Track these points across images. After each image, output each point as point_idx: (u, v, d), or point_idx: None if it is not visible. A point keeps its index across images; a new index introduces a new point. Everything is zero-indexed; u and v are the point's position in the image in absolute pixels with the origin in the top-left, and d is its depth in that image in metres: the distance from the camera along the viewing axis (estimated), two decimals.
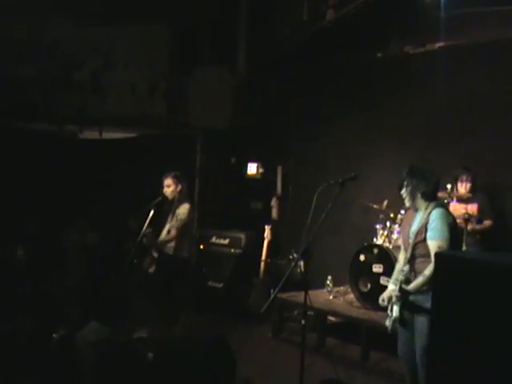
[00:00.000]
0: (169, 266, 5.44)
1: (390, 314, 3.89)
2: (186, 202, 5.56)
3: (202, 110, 7.66)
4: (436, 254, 3.17)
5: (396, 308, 3.83)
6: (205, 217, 7.49)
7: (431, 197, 3.86)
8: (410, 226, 3.93)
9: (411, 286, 3.75)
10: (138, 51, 7.49)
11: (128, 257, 5.10)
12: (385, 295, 4.04)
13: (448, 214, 3.79)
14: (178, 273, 5.49)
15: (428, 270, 3.69)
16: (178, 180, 5.60)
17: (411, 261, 3.83)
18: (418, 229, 3.82)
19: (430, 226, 3.73)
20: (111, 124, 7.46)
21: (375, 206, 6.05)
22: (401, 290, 3.78)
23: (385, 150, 6.65)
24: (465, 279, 2.40)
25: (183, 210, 5.50)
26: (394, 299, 3.83)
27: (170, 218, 5.59)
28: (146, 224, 5.18)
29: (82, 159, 7.64)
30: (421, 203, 3.88)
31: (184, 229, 5.46)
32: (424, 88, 6.28)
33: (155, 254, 5.48)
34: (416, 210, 3.94)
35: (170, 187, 5.58)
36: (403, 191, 3.92)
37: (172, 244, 5.47)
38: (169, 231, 5.52)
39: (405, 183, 3.89)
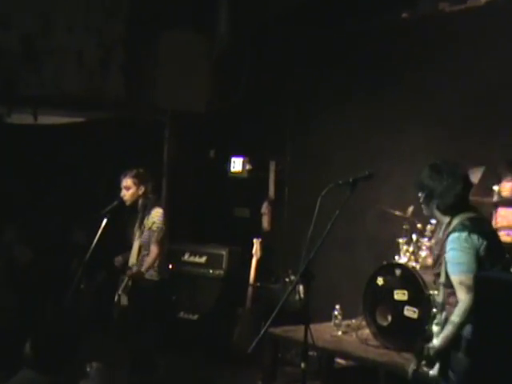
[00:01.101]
0: (150, 294, 5.58)
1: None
2: (156, 206, 5.67)
3: (170, 87, 7.64)
4: (476, 278, 3.13)
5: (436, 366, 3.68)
6: (175, 227, 7.41)
7: (452, 209, 3.75)
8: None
9: (438, 342, 3.62)
10: (86, 9, 7.44)
11: (73, 280, 5.05)
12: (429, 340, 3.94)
13: (469, 236, 3.62)
14: (155, 302, 5.64)
15: (456, 316, 3.55)
16: (140, 180, 5.64)
17: (444, 307, 3.71)
18: (438, 253, 3.80)
19: (447, 257, 3.65)
20: (50, 105, 7.40)
21: (397, 213, 6.04)
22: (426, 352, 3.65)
23: (409, 141, 6.66)
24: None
25: (157, 216, 5.62)
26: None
27: (137, 232, 5.60)
28: (98, 236, 5.16)
29: (10, 151, 7.59)
30: (439, 216, 3.84)
31: (164, 240, 5.62)
32: (463, 59, 6.26)
33: (129, 282, 5.56)
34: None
35: (129, 189, 5.64)
36: (420, 197, 3.88)
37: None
38: (140, 249, 5.58)
39: (421, 186, 3.85)
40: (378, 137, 6.90)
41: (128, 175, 5.64)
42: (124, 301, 5.55)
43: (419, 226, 5.91)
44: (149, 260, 5.60)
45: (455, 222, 3.70)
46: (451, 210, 3.75)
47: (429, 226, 5.83)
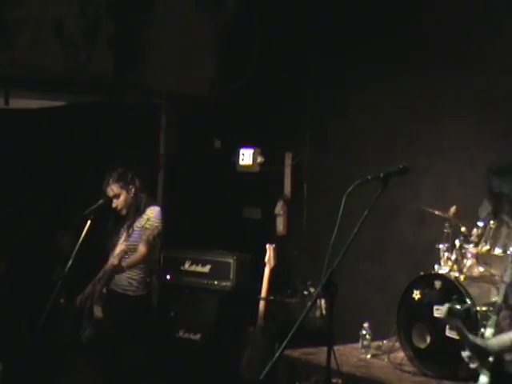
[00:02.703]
0: (126, 309, 5.70)
1: None
2: (150, 205, 5.84)
3: (167, 65, 7.70)
4: None
5: (484, 378, 3.80)
6: (173, 231, 7.46)
7: None
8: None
9: (492, 342, 3.75)
10: None
11: (51, 294, 5.11)
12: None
13: None
14: (136, 320, 5.75)
15: None
16: (125, 181, 5.74)
17: (501, 310, 3.86)
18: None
19: None
20: (23, 86, 7.45)
21: (437, 213, 6.01)
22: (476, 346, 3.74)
23: (452, 130, 6.65)
24: None
25: (152, 213, 5.77)
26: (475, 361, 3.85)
27: (123, 235, 5.70)
28: (80, 242, 5.21)
29: None
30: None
31: (154, 244, 5.76)
32: None
33: (104, 289, 5.71)
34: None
35: (119, 197, 5.76)
36: (489, 199, 3.92)
37: (131, 272, 5.71)
38: (124, 253, 5.69)
39: (492, 187, 3.94)
40: (415, 123, 6.90)
41: (110, 182, 5.76)
42: (98, 312, 5.61)
43: (463, 229, 5.88)
44: (133, 258, 5.67)
45: None
46: None
47: (475, 230, 5.80)
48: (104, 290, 5.71)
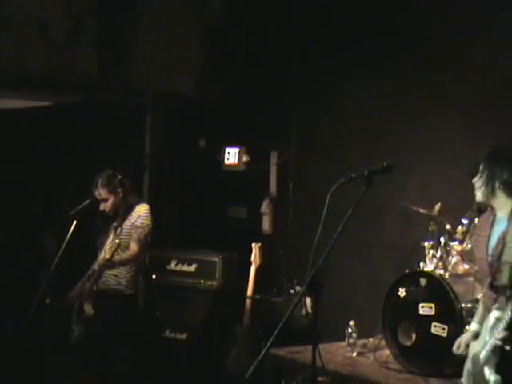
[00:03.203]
0: (115, 307, 5.71)
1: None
2: (141, 203, 5.89)
3: (153, 65, 7.69)
4: None
5: (492, 372, 3.75)
6: (159, 230, 7.43)
7: None
8: (489, 238, 3.94)
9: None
10: None
11: (36, 295, 5.10)
12: (463, 339, 4.06)
13: None
14: (125, 319, 5.74)
15: None
16: (113, 185, 5.74)
17: (500, 296, 3.79)
18: (503, 243, 3.83)
19: None
20: (7, 86, 7.41)
21: (422, 211, 6.02)
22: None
23: (438, 129, 6.65)
24: None
25: (142, 210, 5.80)
26: (484, 354, 3.78)
27: (112, 234, 5.74)
28: (65, 243, 5.20)
29: None
30: (504, 202, 3.89)
31: (145, 242, 5.73)
32: (504, 28, 6.22)
33: (94, 287, 5.71)
34: (495, 214, 3.96)
35: (107, 201, 5.81)
36: (476, 179, 3.94)
37: (120, 270, 5.70)
38: (116, 248, 5.65)
39: (480, 168, 3.92)
40: (400, 122, 6.90)
41: (98, 186, 5.75)
42: (88, 309, 5.60)
43: (448, 227, 5.91)
44: (125, 256, 5.66)
45: None
46: None
47: (459, 228, 5.82)
48: (94, 288, 5.69)
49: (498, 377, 3.75)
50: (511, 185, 3.87)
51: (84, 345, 5.69)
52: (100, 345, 5.69)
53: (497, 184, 3.88)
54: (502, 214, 3.92)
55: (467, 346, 4.04)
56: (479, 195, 3.96)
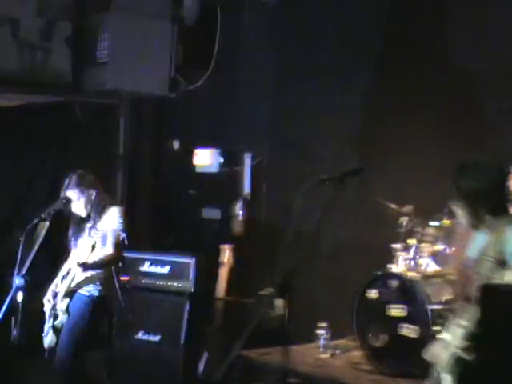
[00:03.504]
0: (89, 309, 5.65)
1: None
2: (113, 205, 5.83)
3: (126, 65, 7.64)
4: (483, 288, 3.20)
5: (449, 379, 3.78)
6: (132, 231, 7.40)
7: (499, 209, 3.88)
8: (467, 249, 3.97)
9: None
10: None
11: (8, 297, 5.06)
12: (436, 349, 4.03)
13: None
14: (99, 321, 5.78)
15: None
16: (86, 185, 5.69)
17: (468, 306, 3.80)
18: (482, 255, 3.83)
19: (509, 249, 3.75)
20: None
21: (393, 206, 6.06)
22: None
23: (408, 130, 6.67)
24: None
25: (113, 215, 5.72)
26: (443, 363, 3.80)
27: (85, 236, 5.73)
28: (38, 244, 5.16)
29: None
30: (484, 220, 3.91)
31: (123, 245, 5.75)
32: (470, 29, 6.29)
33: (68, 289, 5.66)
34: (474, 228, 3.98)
35: (78, 201, 5.74)
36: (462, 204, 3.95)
37: (94, 273, 5.67)
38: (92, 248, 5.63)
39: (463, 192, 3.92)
40: (371, 123, 6.93)
41: (70, 187, 5.70)
42: (62, 311, 5.58)
43: (418, 229, 5.95)
44: (102, 259, 5.64)
45: (504, 221, 3.82)
46: (500, 210, 3.88)
47: (430, 229, 5.86)
48: (68, 290, 5.66)
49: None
50: (490, 205, 3.87)
51: (58, 348, 5.66)
52: (72, 347, 5.67)
53: (475, 205, 3.88)
54: (482, 229, 3.91)
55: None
56: (467, 223, 3.95)
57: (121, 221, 5.70)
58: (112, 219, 5.67)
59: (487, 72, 6.19)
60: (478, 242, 3.93)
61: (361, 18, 7.05)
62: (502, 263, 3.77)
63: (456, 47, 6.39)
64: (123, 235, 5.72)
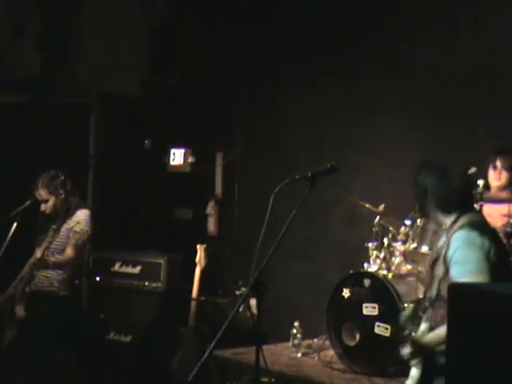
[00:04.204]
0: (48, 310, 5.63)
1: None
2: (80, 208, 5.83)
3: (97, 63, 7.63)
4: (449, 287, 3.23)
5: (416, 371, 3.87)
6: (103, 231, 7.40)
7: (457, 207, 3.91)
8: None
9: (429, 337, 3.83)
10: None
11: None
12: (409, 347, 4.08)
13: (481, 236, 3.80)
14: (60, 321, 5.72)
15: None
16: (55, 186, 5.69)
17: (435, 302, 3.87)
18: (436, 257, 3.92)
19: (453, 259, 3.78)
20: None
21: (367, 206, 6.07)
22: (414, 343, 3.83)
23: (382, 130, 6.71)
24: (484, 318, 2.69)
25: (82, 216, 5.76)
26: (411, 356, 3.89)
27: (50, 235, 5.68)
28: (6, 243, 5.13)
29: None
30: (440, 218, 3.98)
31: (82, 248, 5.78)
32: (447, 31, 6.32)
33: (27, 288, 5.65)
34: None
35: (48, 201, 5.78)
36: (418, 197, 4.01)
37: (52, 273, 5.64)
38: (44, 254, 5.61)
39: (416, 186, 4.01)
40: (345, 123, 6.94)
41: (39, 187, 5.71)
42: (20, 311, 5.56)
43: (391, 228, 5.96)
44: (60, 259, 5.65)
45: (462, 221, 3.84)
46: (457, 207, 3.90)
47: (402, 229, 5.87)
48: (27, 290, 5.65)
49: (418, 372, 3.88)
50: (446, 203, 3.91)
51: (17, 348, 5.63)
52: (34, 348, 5.64)
53: (432, 203, 3.93)
54: (444, 228, 3.99)
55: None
56: (422, 217, 4.03)
57: (85, 225, 5.69)
58: (77, 222, 5.66)
59: (462, 72, 6.22)
60: (440, 241, 3.99)
61: (335, 18, 7.07)
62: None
63: (430, 47, 6.42)
64: (85, 239, 5.71)
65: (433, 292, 3.88)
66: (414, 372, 3.91)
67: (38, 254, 5.54)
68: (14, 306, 5.62)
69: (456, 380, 2.81)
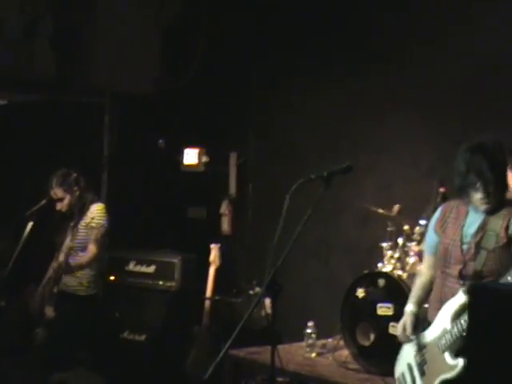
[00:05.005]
0: (77, 309, 5.70)
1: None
2: (96, 202, 5.87)
3: (111, 63, 7.65)
4: (470, 287, 3.24)
5: (453, 357, 3.83)
6: (117, 231, 7.39)
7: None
8: (463, 227, 4.00)
9: None
10: None
11: None
12: (408, 322, 4.18)
13: None
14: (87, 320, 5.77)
15: None
16: (70, 184, 5.70)
17: (469, 279, 3.87)
18: (481, 230, 3.91)
19: None
20: None
21: (380, 211, 6.05)
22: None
23: (396, 130, 6.71)
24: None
25: (97, 211, 5.78)
26: (446, 340, 3.88)
27: (69, 234, 5.71)
28: (22, 244, 5.15)
29: None
30: (493, 203, 3.94)
31: (103, 242, 5.76)
32: (458, 29, 6.29)
33: (55, 288, 5.67)
34: (468, 206, 4.01)
35: (63, 200, 5.78)
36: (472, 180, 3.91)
37: (81, 272, 5.73)
38: (69, 251, 5.62)
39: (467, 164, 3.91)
40: (359, 123, 6.93)
41: (54, 186, 5.72)
42: (49, 312, 5.57)
43: (406, 228, 5.94)
44: (84, 258, 5.65)
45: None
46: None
47: (417, 228, 5.86)
48: (55, 290, 5.66)
49: (465, 359, 3.77)
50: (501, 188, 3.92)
51: (46, 347, 5.65)
52: (62, 347, 5.66)
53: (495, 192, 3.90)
54: (479, 208, 3.94)
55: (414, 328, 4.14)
56: (478, 196, 3.91)
57: (101, 219, 5.71)
58: (92, 218, 5.68)
59: (477, 72, 6.20)
60: (475, 219, 3.96)
61: (347, 16, 7.06)
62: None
63: (444, 46, 6.40)
64: (103, 233, 5.74)
65: (477, 266, 3.88)
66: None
67: (61, 257, 5.55)
68: (43, 306, 5.63)
69: (477, 379, 2.83)
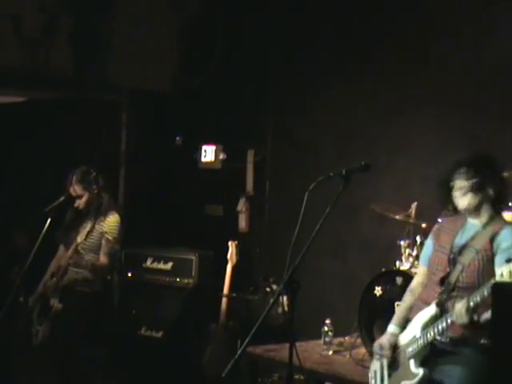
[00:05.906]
0: (82, 305, 5.69)
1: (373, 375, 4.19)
2: (112, 210, 5.85)
3: (128, 61, 7.67)
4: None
5: (418, 366, 3.96)
6: (134, 228, 7.43)
7: (498, 206, 4.09)
8: (456, 236, 4.13)
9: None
10: None
11: (11, 293, 5.07)
12: (386, 342, 4.27)
13: None
14: (93, 317, 5.78)
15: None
16: (88, 182, 5.73)
17: (453, 291, 3.95)
18: (467, 244, 3.99)
19: (502, 246, 3.91)
20: None
21: (397, 217, 6.03)
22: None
23: (413, 128, 6.67)
24: None
25: (111, 223, 5.78)
26: (413, 348, 4.01)
27: (83, 234, 5.71)
28: (41, 238, 5.17)
29: None
30: (483, 212, 4.06)
31: (114, 254, 5.87)
32: (477, 25, 6.25)
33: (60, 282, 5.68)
34: (466, 218, 4.13)
35: (82, 197, 5.80)
36: (462, 185, 4.04)
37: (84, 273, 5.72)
38: (77, 251, 5.65)
39: (466, 175, 4.05)
40: (376, 121, 6.91)
41: (73, 182, 5.74)
42: (56, 304, 5.59)
43: (424, 225, 5.94)
44: (96, 262, 5.67)
45: (499, 221, 4.02)
46: (498, 206, 4.08)
47: (436, 226, 5.84)
48: (60, 283, 5.69)
49: (427, 370, 3.98)
50: (496, 199, 4.04)
51: (51, 343, 5.65)
52: (67, 343, 5.67)
53: (485, 195, 4.03)
54: (475, 222, 4.08)
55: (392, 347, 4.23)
56: (464, 203, 4.06)
57: (116, 232, 5.72)
58: (110, 227, 5.68)
59: (492, 71, 6.17)
60: (469, 232, 4.07)
61: (364, 18, 7.04)
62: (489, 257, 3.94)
63: (460, 45, 6.38)
64: (116, 247, 5.76)
65: (453, 278, 3.98)
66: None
67: (70, 251, 5.57)
68: (47, 301, 5.65)
69: (500, 377, 2.84)
